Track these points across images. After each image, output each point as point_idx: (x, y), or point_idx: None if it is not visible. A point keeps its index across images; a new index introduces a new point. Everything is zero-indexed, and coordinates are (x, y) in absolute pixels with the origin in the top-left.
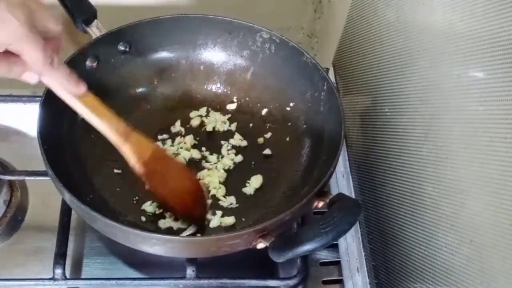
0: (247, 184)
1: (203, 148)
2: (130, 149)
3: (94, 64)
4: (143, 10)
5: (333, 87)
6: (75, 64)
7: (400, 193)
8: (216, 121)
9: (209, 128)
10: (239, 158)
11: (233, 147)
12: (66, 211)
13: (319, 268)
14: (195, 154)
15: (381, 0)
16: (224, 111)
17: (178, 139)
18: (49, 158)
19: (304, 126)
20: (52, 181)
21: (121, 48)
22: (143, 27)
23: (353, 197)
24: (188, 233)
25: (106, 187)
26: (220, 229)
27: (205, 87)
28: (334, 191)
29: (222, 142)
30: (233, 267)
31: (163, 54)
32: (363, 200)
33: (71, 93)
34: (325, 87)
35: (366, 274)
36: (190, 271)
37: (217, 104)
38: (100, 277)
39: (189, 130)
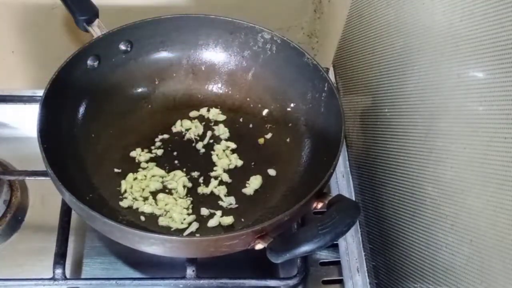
0: (246, 185)
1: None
2: None
3: (95, 64)
4: (145, 10)
5: (334, 89)
6: (76, 63)
7: (400, 193)
8: (215, 121)
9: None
10: (239, 161)
11: (231, 149)
12: (66, 211)
13: (319, 268)
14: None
15: (381, 0)
16: (224, 112)
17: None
18: (49, 158)
19: (305, 127)
20: (52, 181)
21: (122, 47)
22: (144, 26)
23: (353, 197)
24: (187, 233)
25: (106, 187)
26: (219, 229)
27: (206, 87)
28: (334, 191)
29: (221, 143)
30: (233, 267)
31: (164, 54)
32: (363, 200)
33: None
34: (325, 88)
35: (366, 274)
36: (190, 271)
37: (217, 104)
38: (100, 277)
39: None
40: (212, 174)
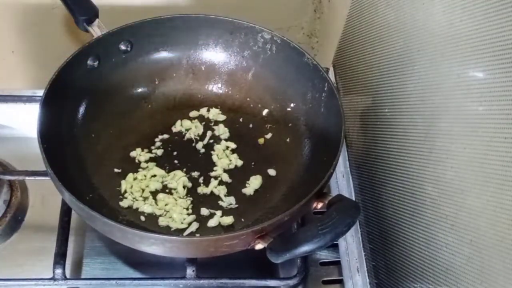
0: (246, 185)
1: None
2: None
3: (95, 63)
4: (145, 10)
5: (334, 89)
6: (76, 63)
7: (400, 193)
8: (215, 121)
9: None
10: (239, 161)
11: (231, 149)
12: (66, 211)
13: (319, 268)
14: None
15: (381, 0)
16: (224, 112)
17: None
18: (49, 158)
19: (305, 127)
20: (52, 181)
21: (122, 47)
22: (144, 26)
23: (353, 197)
24: (187, 233)
25: (106, 187)
26: (219, 229)
27: (206, 87)
28: (334, 191)
29: (221, 143)
30: (233, 267)
31: (164, 54)
32: (363, 200)
33: None
34: (325, 88)
35: (366, 274)
36: (190, 271)
37: (217, 104)
38: (100, 277)
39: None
40: (212, 174)
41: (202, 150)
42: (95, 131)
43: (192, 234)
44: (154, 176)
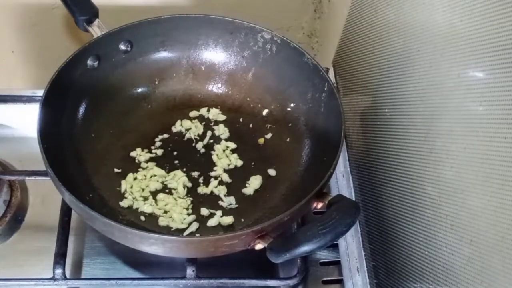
0: (246, 185)
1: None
2: None
3: (95, 63)
4: (145, 10)
5: (334, 89)
6: (76, 63)
7: (400, 193)
8: (215, 121)
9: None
10: (239, 161)
11: (231, 149)
12: (66, 211)
13: (319, 268)
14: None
15: (381, 0)
16: (224, 112)
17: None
18: (49, 158)
19: (305, 127)
20: (52, 181)
21: (122, 47)
22: (144, 26)
23: (353, 197)
24: (187, 233)
25: (106, 187)
26: (219, 229)
27: (206, 87)
28: (334, 191)
29: (221, 143)
30: (233, 267)
31: (164, 54)
32: (363, 200)
33: None
34: (325, 88)
35: (366, 274)
36: (190, 271)
37: (217, 104)
38: (100, 277)
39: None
40: (212, 174)
41: (202, 150)
42: (95, 131)
43: (192, 234)
44: (154, 176)
